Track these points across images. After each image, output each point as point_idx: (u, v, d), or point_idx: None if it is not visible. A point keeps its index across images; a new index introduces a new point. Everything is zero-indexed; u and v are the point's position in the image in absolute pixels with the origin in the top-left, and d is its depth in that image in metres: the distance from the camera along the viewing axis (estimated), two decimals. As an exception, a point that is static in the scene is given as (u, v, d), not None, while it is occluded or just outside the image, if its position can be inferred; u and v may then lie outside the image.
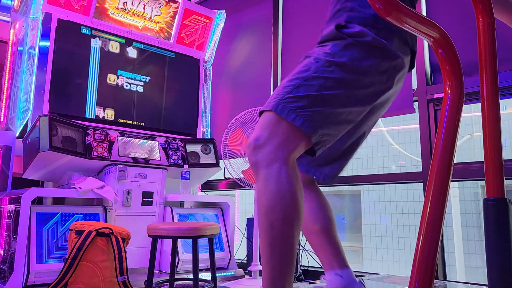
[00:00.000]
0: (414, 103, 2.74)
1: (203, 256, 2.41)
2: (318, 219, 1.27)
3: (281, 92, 1.03)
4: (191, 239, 2.04)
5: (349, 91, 1.04)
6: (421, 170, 2.69)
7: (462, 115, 0.83)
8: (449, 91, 0.82)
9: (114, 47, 3.18)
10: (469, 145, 4.90)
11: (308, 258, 3.09)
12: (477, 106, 3.50)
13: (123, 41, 3.24)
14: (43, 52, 2.84)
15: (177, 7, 3.47)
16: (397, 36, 1.11)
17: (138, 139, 3.05)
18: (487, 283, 0.77)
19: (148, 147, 3.05)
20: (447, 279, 2.57)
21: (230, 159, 2.83)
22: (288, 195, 0.96)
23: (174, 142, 3.22)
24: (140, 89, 3.28)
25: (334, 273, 1.20)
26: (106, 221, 2.64)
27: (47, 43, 2.85)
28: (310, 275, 3.03)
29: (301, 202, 0.99)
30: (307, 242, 3.29)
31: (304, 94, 1.01)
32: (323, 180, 1.29)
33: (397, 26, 1.03)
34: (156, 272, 2.81)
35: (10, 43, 3.29)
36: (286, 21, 3.67)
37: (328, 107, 1.02)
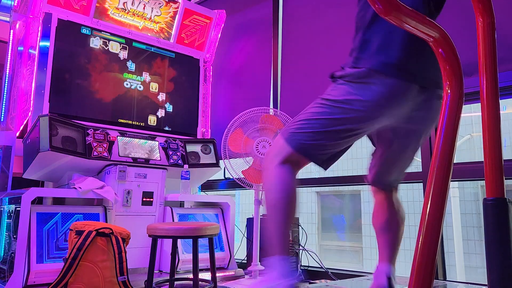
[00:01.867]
0: (414, 103, 2.73)
1: (203, 256, 2.41)
2: (384, 221, 1.62)
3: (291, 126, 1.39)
4: (191, 239, 2.04)
5: (332, 117, 1.31)
6: (421, 170, 2.69)
7: (462, 115, 0.83)
8: (449, 91, 0.82)
9: (114, 47, 3.19)
10: (469, 145, 4.90)
11: (308, 258, 3.09)
12: (477, 106, 3.50)
13: (123, 41, 3.24)
14: (43, 52, 2.84)
15: (177, 7, 3.47)
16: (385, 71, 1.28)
17: (138, 139, 3.05)
18: (487, 283, 0.77)
19: (148, 147, 3.06)
20: (447, 279, 2.58)
21: (230, 159, 2.83)
22: (275, 188, 1.30)
23: (174, 142, 3.22)
24: (140, 89, 3.28)
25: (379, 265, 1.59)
26: (106, 221, 2.64)
27: (47, 43, 2.85)
28: (310, 275, 3.03)
29: (289, 193, 1.30)
30: (306, 242, 3.29)
31: (305, 128, 1.33)
32: (387, 186, 1.60)
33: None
34: (156, 272, 2.81)
35: (10, 43, 3.29)
36: (286, 21, 3.67)
37: (317, 134, 1.31)
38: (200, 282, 2.13)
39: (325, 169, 1.37)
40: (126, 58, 3.23)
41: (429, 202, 0.77)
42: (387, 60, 1.27)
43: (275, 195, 1.29)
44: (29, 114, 2.79)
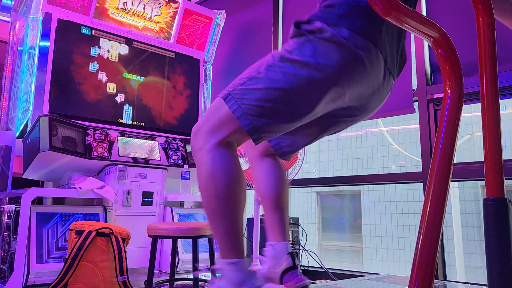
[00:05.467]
0: (414, 103, 2.73)
1: (203, 256, 2.42)
2: (268, 190, 1.32)
3: (235, 83, 1.07)
4: (191, 239, 2.05)
5: (297, 88, 1.01)
6: (421, 170, 2.69)
7: (462, 115, 0.83)
8: (449, 91, 0.82)
9: (114, 47, 3.18)
10: (469, 145, 4.90)
11: (308, 258, 3.09)
12: (477, 106, 3.50)
13: (123, 41, 3.23)
14: (43, 52, 2.84)
15: (177, 7, 3.47)
16: (364, 37, 1.05)
17: (138, 139, 3.05)
18: (487, 283, 0.77)
19: (148, 147, 3.05)
20: (447, 279, 2.58)
21: (230, 159, 2.83)
22: (218, 174, 1.01)
23: (174, 142, 3.22)
24: (140, 89, 3.27)
25: (269, 244, 1.27)
26: (106, 221, 2.64)
27: (47, 43, 2.85)
28: (310, 275, 3.03)
29: (236, 180, 1.03)
30: (306, 242, 3.28)
31: (253, 87, 1.02)
32: (277, 151, 1.31)
33: (363, 27, 1.03)
34: (156, 272, 2.81)
35: (10, 43, 3.28)
36: (286, 21, 3.67)
37: (272, 103, 1.01)
38: (200, 282, 2.13)
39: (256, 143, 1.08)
40: (126, 58, 3.23)
41: (429, 202, 0.76)
42: (370, 27, 1.04)
43: (218, 183, 1.00)
44: (29, 114, 2.79)
